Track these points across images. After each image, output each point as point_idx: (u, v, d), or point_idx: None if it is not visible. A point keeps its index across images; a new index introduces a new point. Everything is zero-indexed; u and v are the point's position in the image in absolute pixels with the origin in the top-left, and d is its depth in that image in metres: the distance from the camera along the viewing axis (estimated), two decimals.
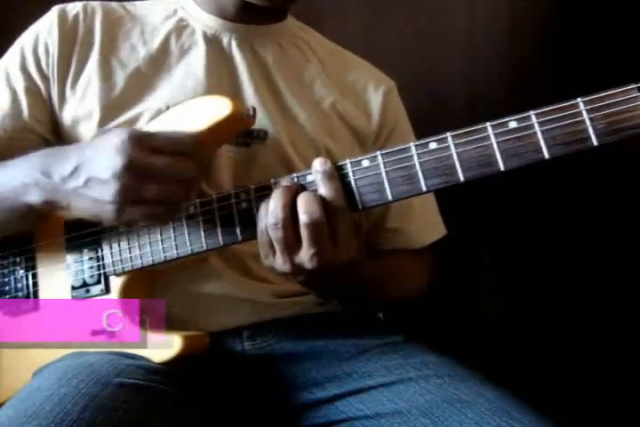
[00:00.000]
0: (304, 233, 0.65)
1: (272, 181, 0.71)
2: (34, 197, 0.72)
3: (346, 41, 1.02)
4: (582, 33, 1.29)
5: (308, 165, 0.69)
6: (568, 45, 1.31)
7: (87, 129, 0.85)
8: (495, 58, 1.36)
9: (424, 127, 0.94)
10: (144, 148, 0.65)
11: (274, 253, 0.68)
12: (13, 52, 0.89)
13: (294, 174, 0.71)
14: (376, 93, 0.97)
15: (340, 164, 0.68)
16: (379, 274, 0.87)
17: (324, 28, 1.03)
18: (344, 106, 0.94)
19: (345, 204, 0.67)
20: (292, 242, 0.66)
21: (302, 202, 0.66)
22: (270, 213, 0.66)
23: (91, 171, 0.66)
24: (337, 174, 0.67)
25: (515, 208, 1.35)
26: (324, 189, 0.67)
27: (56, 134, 0.88)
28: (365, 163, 0.67)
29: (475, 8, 1.35)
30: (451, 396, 0.73)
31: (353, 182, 0.68)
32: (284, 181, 0.70)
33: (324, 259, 0.66)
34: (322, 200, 0.66)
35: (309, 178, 0.69)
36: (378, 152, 0.67)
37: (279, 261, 0.68)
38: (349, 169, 0.68)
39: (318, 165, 0.68)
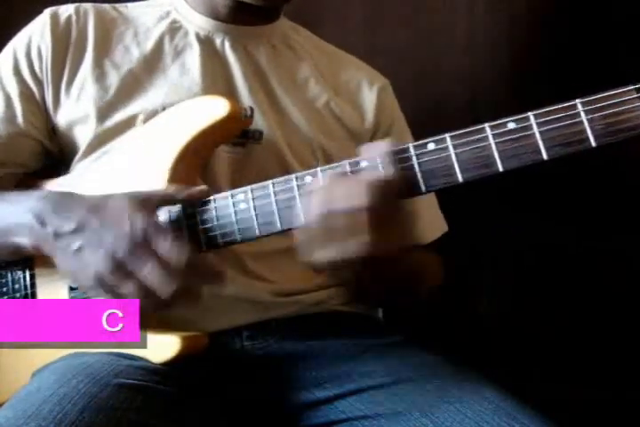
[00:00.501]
0: (363, 218, 0.62)
1: (270, 181, 0.71)
2: (24, 240, 0.72)
3: (346, 41, 1.03)
4: (582, 33, 1.29)
5: (304, 165, 0.69)
6: (568, 45, 1.31)
7: (83, 132, 0.85)
8: (495, 58, 1.36)
9: (424, 127, 0.94)
10: (149, 243, 0.65)
11: (328, 243, 0.64)
12: (6, 56, 0.88)
13: (292, 175, 0.70)
14: (370, 92, 0.97)
15: (338, 164, 0.68)
16: (413, 266, 0.85)
17: (324, 28, 1.03)
18: (338, 105, 0.94)
19: (399, 189, 0.64)
20: (348, 230, 0.63)
21: (363, 187, 0.62)
22: (327, 201, 0.63)
23: (90, 241, 0.67)
24: (396, 159, 0.64)
25: (514, 208, 1.34)
26: (388, 173, 0.64)
27: (52, 138, 0.88)
28: (364, 164, 0.67)
29: (475, 8, 1.35)
30: (451, 396, 0.73)
31: None
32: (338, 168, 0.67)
33: (379, 245, 0.63)
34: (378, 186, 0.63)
35: (307, 179, 0.69)
36: None
37: (336, 251, 0.64)
38: (348, 169, 0.67)
39: (385, 146, 0.65)
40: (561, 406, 0.89)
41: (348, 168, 0.67)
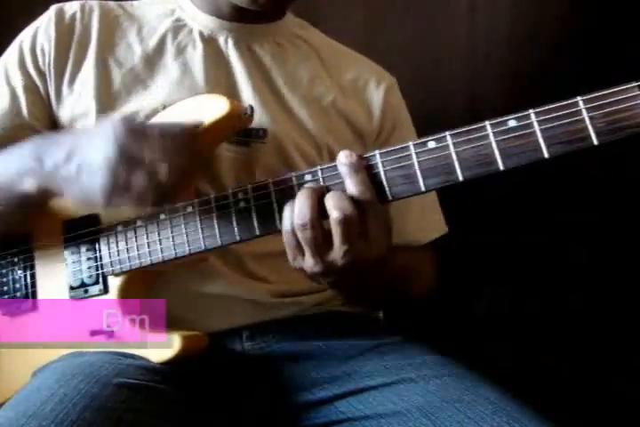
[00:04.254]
0: (336, 230, 0.64)
1: (270, 180, 0.71)
2: (28, 185, 0.72)
3: (346, 41, 1.02)
4: (582, 33, 1.29)
5: (309, 163, 0.69)
6: (568, 45, 1.31)
7: (84, 126, 0.85)
8: (495, 58, 1.36)
9: (424, 127, 0.94)
10: (138, 136, 0.65)
11: (303, 254, 0.67)
12: (12, 50, 0.89)
13: (292, 173, 0.70)
14: (377, 90, 0.96)
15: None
16: (401, 270, 0.86)
17: (325, 28, 1.03)
18: (345, 103, 0.94)
19: (374, 196, 0.65)
20: (322, 241, 0.64)
21: (333, 199, 0.64)
22: (297, 214, 0.65)
23: (83, 158, 0.67)
24: (364, 166, 0.65)
25: (515, 209, 1.35)
26: (351, 183, 0.65)
27: (54, 131, 0.88)
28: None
29: (475, 8, 1.35)
30: (451, 396, 0.73)
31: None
32: (307, 183, 0.68)
33: (357, 255, 0.65)
34: (350, 195, 0.65)
35: (307, 177, 0.69)
36: (376, 151, 0.66)
37: (310, 263, 0.66)
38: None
39: (344, 157, 0.66)
40: (561, 406, 0.89)
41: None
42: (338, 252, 0.64)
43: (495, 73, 1.37)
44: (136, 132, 0.65)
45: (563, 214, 1.33)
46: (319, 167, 0.69)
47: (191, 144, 0.68)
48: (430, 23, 1.37)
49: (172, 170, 0.65)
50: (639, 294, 1.31)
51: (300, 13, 0.99)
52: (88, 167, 0.66)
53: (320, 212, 0.65)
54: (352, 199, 0.64)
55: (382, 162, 0.66)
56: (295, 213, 0.65)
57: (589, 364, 1.31)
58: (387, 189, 0.66)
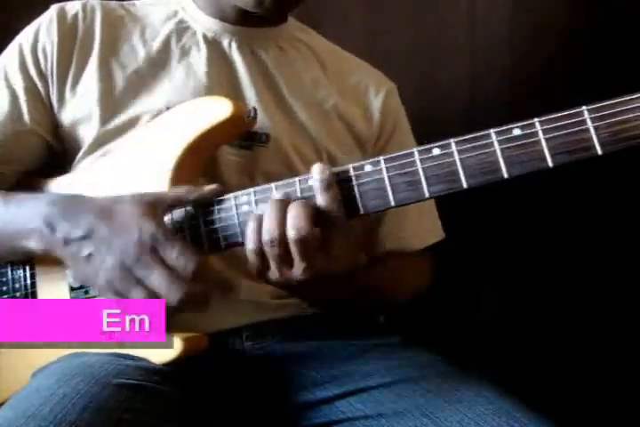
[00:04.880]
0: (293, 249, 0.64)
1: (273, 185, 0.70)
2: (34, 245, 0.72)
3: (347, 42, 1.02)
4: (582, 32, 1.29)
5: (309, 168, 0.69)
6: (568, 45, 1.31)
7: (87, 130, 0.84)
8: (495, 58, 1.36)
9: (424, 128, 0.94)
10: (159, 249, 0.65)
11: (267, 267, 0.67)
12: (12, 52, 0.87)
13: (296, 178, 0.69)
14: (377, 96, 0.96)
15: (342, 169, 0.67)
16: (377, 280, 0.86)
17: (325, 29, 1.03)
18: (345, 108, 0.94)
19: (342, 213, 0.65)
20: (286, 257, 0.65)
21: (290, 217, 0.64)
22: (265, 230, 0.65)
23: (99, 249, 0.67)
24: (335, 182, 0.66)
25: (517, 215, 1.35)
26: (321, 199, 0.65)
27: (56, 135, 0.87)
28: (368, 168, 0.66)
29: (475, 8, 1.35)
30: (451, 396, 0.73)
31: (355, 188, 0.66)
32: (276, 194, 0.68)
33: (316, 272, 0.65)
34: (317, 210, 0.65)
35: (311, 182, 0.68)
36: (381, 157, 0.66)
37: (273, 276, 0.67)
38: (352, 173, 0.67)
39: (317, 172, 0.66)
40: (561, 406, 0.89)
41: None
42: (298, 268, 0.65)
43: (496, 73, 1.37)
44: (159, 244, 0.65)
45: (564, 221, 1.33)
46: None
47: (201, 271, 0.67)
48: (431, 24, 1.37)
49: (172, 295, 0.65)
50: (639, 300, 1.31)
51: (301, 17, 0.99)
52: (100, 260, 0.66)
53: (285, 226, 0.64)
54: (318, 214, 0.64)
55: (387, 168, 0.65)
56: (263, 229, 0.65)
57: (589, 368, 1.31)
58: (359, 203, 0.66)
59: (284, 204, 0.66)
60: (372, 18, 1.37)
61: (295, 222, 0.64)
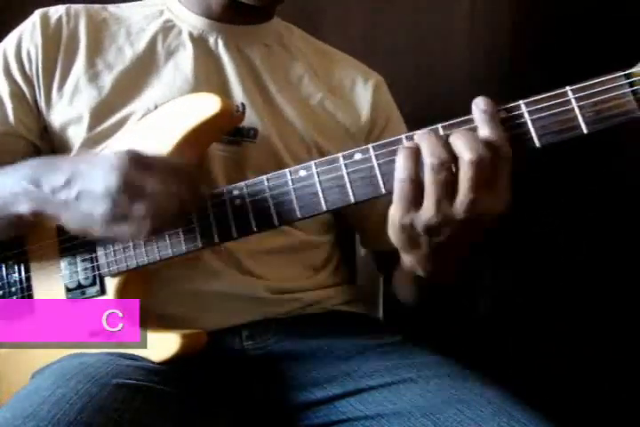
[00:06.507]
0: (465, 175, 0.57)
1: (265, 177, 0.70)
2: (22, 208, 0.71)
3: (346, 42, 1.03)
4: (585, 34, 1.29)
5: (298, 162, 0.69)
6: (568, 45, 1.31)
7: (76, 133, 0.85)
8: (495, 58, 1.36)
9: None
10: (140, 166, 0.65)
11: (418, 204, 0.59)
12: None
13: (286, 170, 0.69)
14: (365, 89, 0.97)
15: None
16: None
17: (324, 29, 1.03)
18: (333, 103, 0.94)
19: (509, 146, 0.59)
20: (451, 187, 0.58)
21: (463, 139, 0.58)
22: (429, 153, 0.58)
23: (84, 185, 0.66)
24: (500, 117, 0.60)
25: (516, 209, 1.34)
26: (488, 129, 0.59)
27: (44, 139, 0.88)
28: (357, 156, 0.65)
29: (475, 8, 1.35)
30: (451, 396, 0.73)
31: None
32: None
33: (480, 207, 0.58)
34: (483, 139, 0.59)
35: (302, 173, 0.68)
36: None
37: (427, 214, 0.59)
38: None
39: (483, 104, 0.61)
40: (561, 406, 0.89)
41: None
42: (463, 201, 0.58)
43: (496, 73, 1.37)
44: (138, 162, 0.66)
45: (561, 216, 1.33)
46: (313, 162, 0.68)
47: (191, 176, 0.68)
48: (430, 23, 1.37)
49: (172, 200, 0.65)
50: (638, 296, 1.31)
51: (300, 15, 0.99)
52: (88, 194, 0.66)
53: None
54: (485, 142, 0.58)
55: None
56: (425, 153, 0.58)
57: (589, 369, 1.31)
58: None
59: (439, 134, 0.60)
60: (371, 17, 1.37)
61: (472, 144, 0.57)
